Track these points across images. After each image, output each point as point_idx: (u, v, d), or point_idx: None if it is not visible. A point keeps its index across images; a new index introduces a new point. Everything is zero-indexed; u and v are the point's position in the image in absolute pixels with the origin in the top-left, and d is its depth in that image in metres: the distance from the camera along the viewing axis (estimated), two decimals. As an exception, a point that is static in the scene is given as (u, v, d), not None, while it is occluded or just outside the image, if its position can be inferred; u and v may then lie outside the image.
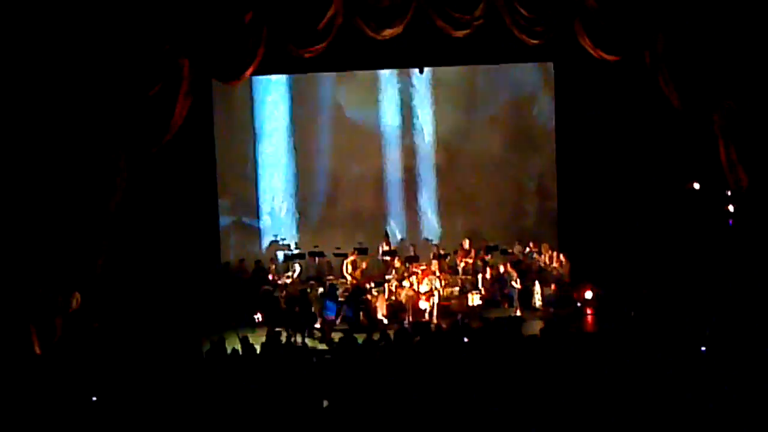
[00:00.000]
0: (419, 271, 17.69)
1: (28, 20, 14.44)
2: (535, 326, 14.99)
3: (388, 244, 19.10)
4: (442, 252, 18.58)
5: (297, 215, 20.27)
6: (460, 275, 18.04)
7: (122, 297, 17.12)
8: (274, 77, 19.63)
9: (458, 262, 18.38)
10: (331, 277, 18.04)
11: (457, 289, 17.70)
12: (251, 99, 20.12)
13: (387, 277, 17.86)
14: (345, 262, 18.19)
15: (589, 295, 17.46)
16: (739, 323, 14.64)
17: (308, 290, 17.16)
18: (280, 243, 19.86)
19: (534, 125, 20.57)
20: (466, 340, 13.80)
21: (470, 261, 18.32)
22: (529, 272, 18.15)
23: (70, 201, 14.88)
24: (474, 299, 17.32)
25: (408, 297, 17.32)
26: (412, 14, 15.59)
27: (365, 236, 19.47)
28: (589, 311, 17.02)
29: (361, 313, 16.89)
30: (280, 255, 18.88)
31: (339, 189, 20.46)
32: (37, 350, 14.22)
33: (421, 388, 11.89)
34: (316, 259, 18.76)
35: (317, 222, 20.23)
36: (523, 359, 12.75)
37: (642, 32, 15.86)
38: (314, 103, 20.32)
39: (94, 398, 11.99)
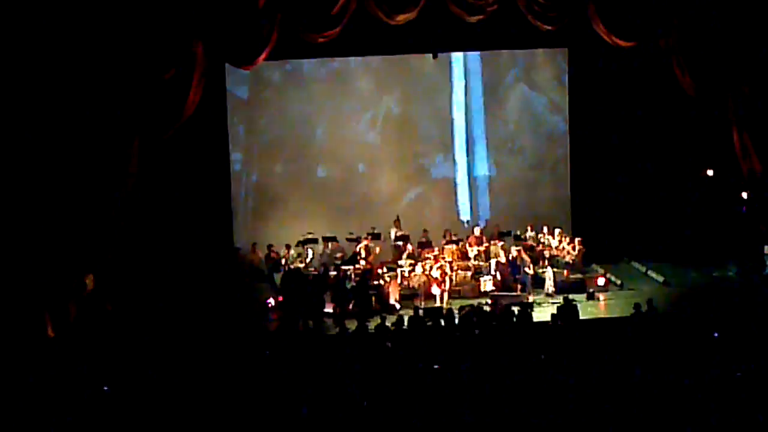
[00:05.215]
0: (431, 257, 17.70)
1: (44, 5, 14.51)
2: (547, 312, 14.98)
3: (401, 229, 19.09)
4: (454, 238, 18.57)
5: (309, 200, 20.26)
6: (472, 261, 18.02)
7: (136, 280, 17.26)
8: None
9: (470, 248, 18.36)
10: (343, 262, 18.02)
11: (469, 274, 17.70)
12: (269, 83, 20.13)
13: (399, 262, 17.87)
14: (358, 247, 18.21)
15: (601, 281, 17.45)
16: (752, 309, 14.65)
17: (321, 275, 17.19)
18: (294, 228, 19.84)
19: (547, 110, 20.51)
20: (477, 325, 13.82)
21: (482, 249, 18.29)
22: (541, 258, 18.15)
23: (84, 185, 14.98)
24: (486, 285, 17.34)
25: (420, 282, 17.34)
26: (426, -1, 15.61)
27: (378, 221, 19.48)
28: (601, 297, 16.98)
29: (373, 299, 16.91)
30: (294, 240, 18.85)
31: (352, 174, 20.47)
32: (51, 333, 14.34)
33: (431, 372, 11.96)
34: (329, 244, 18.74)
35: (330, 207, 20.22)
36: (534, 345, 12.78)
37: (657, 18, 15.82)
38: (327, 90, 20.30)
39: (106, 388, 11.98)
